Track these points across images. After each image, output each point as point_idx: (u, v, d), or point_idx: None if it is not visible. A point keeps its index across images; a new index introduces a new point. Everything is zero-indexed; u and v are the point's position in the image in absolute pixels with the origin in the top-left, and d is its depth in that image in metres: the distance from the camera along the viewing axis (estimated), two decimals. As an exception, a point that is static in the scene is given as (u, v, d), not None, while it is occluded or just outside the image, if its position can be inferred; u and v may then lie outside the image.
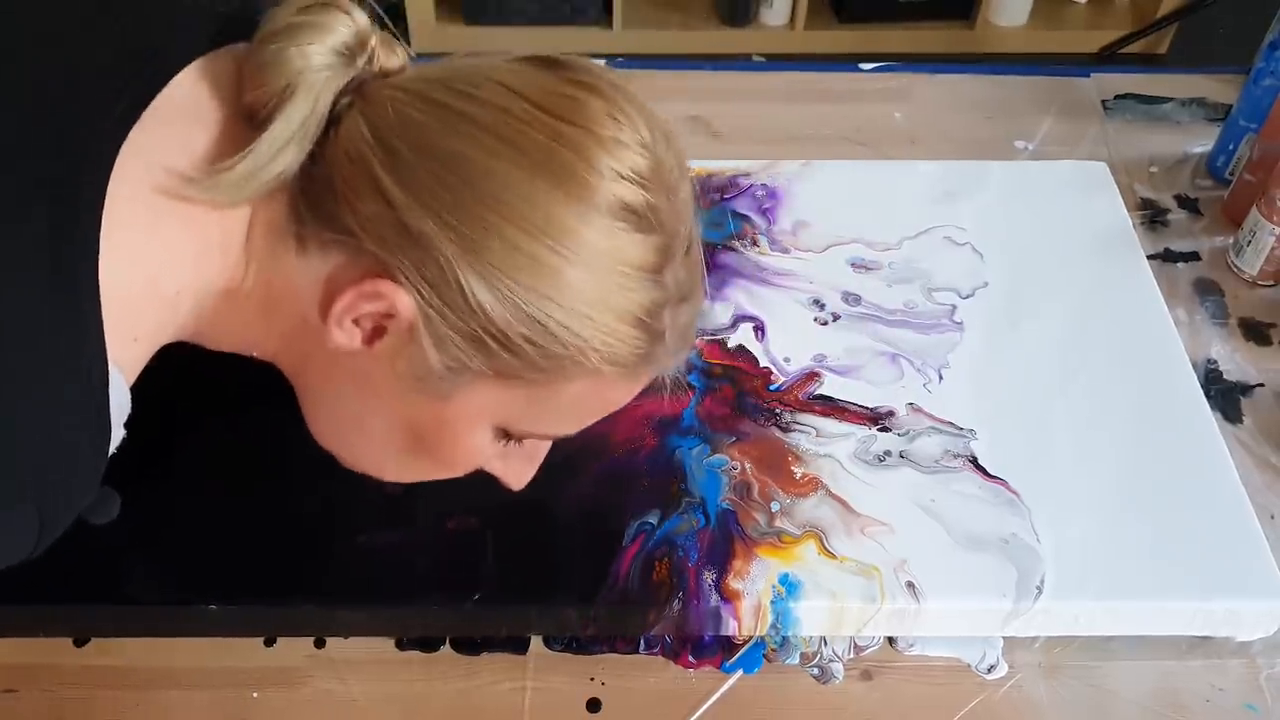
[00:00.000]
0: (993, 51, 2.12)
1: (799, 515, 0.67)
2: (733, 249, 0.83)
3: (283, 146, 0.48)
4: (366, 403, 0.54)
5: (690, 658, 0.66)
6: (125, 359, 0.48)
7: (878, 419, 0.73)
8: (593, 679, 0.65)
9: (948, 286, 0.81)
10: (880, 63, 1.06)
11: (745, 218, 0.85)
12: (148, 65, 0.49)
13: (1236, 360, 0.82)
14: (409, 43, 0.54)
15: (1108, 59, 2.11)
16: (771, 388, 0.74)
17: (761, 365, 0.75)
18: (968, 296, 0.80)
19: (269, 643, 0.65)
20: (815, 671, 0.66)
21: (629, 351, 0.51)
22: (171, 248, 0.49)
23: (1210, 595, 0.65)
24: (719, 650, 0.66)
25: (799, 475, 0.69)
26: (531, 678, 0.65)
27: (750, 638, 0.66)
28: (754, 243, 0.83)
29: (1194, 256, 0.89)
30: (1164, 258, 0.89)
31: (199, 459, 0.69)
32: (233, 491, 0.67)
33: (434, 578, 0.64)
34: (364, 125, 0.48)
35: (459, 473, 0.59)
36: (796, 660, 0.66)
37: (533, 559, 0.65)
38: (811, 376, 0.75)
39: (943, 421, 0.72)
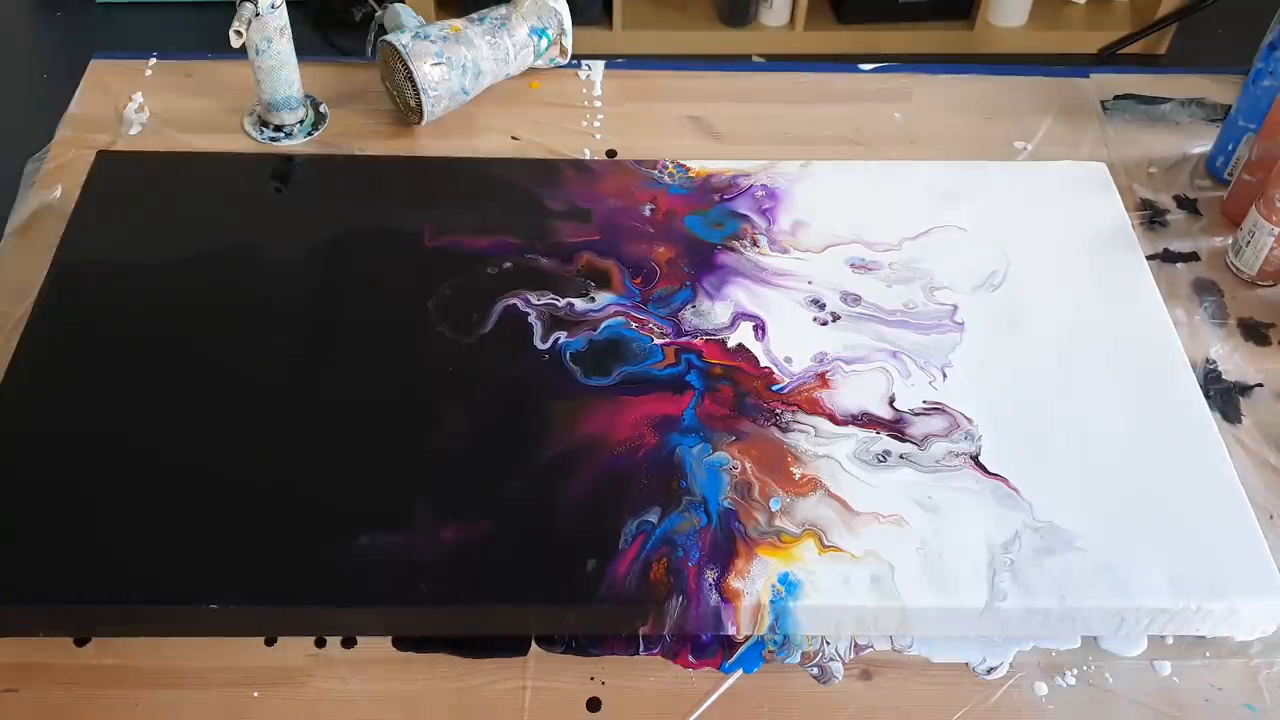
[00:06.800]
0: (992, 52, 2.12)
1: (798, 514, 0.67)
2: (733, 249, 0.83)
3: None
4: None
5: (690, 658, 0.66)
6: None
7: (880, 421, 0.73)
8: (593, 679, 0.65)
9: (948, 287, 0.81)
10: (880, 63, 1.06)
11: (745, 218, 0.85)
12: None
13: (1235, 360, 0.82)
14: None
15: (1107, 59, 2.11)
16: (774, 388, 0.74)
17: (762, 365, 0.75)
18: (967, 297, 0.80)
19: (269, 643, 0.65)
20: (815, 671, 0.66)
21: None
22: None
23: (1210, 595, 0.65)
24: (719, 650, 0.66)
25: (798, 476, 0.69)
26: (531, 678, 0.65)
27: (749, 637, 0.66)
28: (754, 243, 0.83)
29: (1193, 257, 0.89)
30: (1163, 258, 0.89)
31: (200, 459, 0.69)
32: (234, 491, 0.68)
33: (434, 578, 0.64)
34: None
35: None
36: (797, 660, 0.66)
37: (533, 559, 0.65)
38: (814, 378, 0.75)
39: (953, 410, 0.72)
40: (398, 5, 0.98)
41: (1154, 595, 0.65)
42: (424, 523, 0.66)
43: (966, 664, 0.66)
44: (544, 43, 0.98)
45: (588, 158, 0.94)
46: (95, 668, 0.64)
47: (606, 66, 1.03)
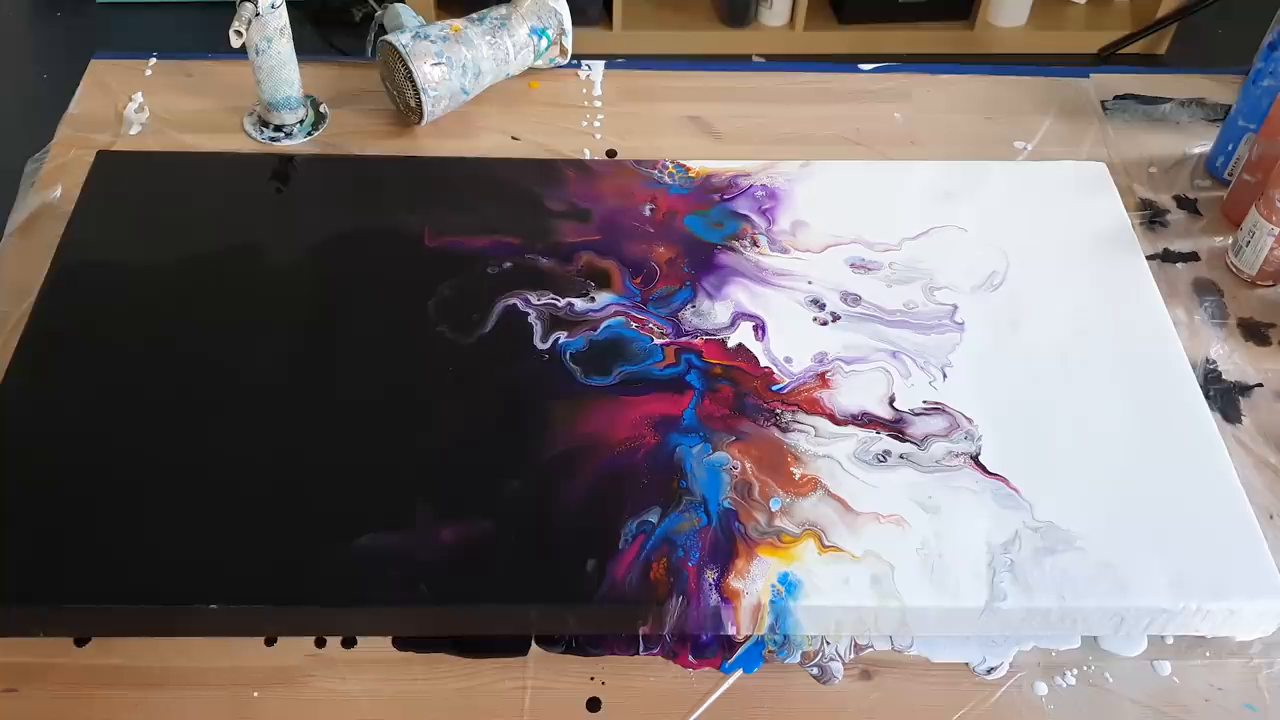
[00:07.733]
0: (992, 52, 2.12)
1: (798, 514, 0.67)
2: (732, 249, 0.83)
3: None
4: None
5: (690, 658, 0.66)
6: None
7: (880, 421, 0.73)
8: (593, 679, 0.65)
9: (947, 286, 0.81)
10: (880, 63, 1.06)
11: (745, 218, 0.85)
12: None
13: (1235, 360, 0.82)
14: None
15: (1107, 59, 2.11)
16: (774, 388, 0.74)
17: (762, 365, 0.75)
18: (967, 297, 0.80)
19: (269, 643, 0.65)
20: (815, 671, 0.66)
21: None
22: None
23: (1210, 595, 0.65)
24: (719, 650, 0.66)
25: (798, 476, 0.69)
26: (531, 678, 0.65)
27: (749, 637, 0.66)
28: (754, 243, 0.83)
29: (1193, 257, 0.89)
30: (1163, 258, 0.89)
31: (200, 459, 0.69)
32: (234, 491, 0.68)
33: (434, 578, 0.64)
34: None
35: None
36: (797, 660, 0.66)
37: (533, 559, 0.65)
38: (814, 378, 0.75)
39: (953, 410, 0.72)
40: (398, 5, 0.98)
41: (1154, 595, 0.65)
42: (424, 523, 0.66)
43: (966, 664, 0.66)
44: (544, 43, 0.98)
45: (588, 158, 0.94)
46: (95, 668, 0.64)
47: (606, 66, 1.03)
